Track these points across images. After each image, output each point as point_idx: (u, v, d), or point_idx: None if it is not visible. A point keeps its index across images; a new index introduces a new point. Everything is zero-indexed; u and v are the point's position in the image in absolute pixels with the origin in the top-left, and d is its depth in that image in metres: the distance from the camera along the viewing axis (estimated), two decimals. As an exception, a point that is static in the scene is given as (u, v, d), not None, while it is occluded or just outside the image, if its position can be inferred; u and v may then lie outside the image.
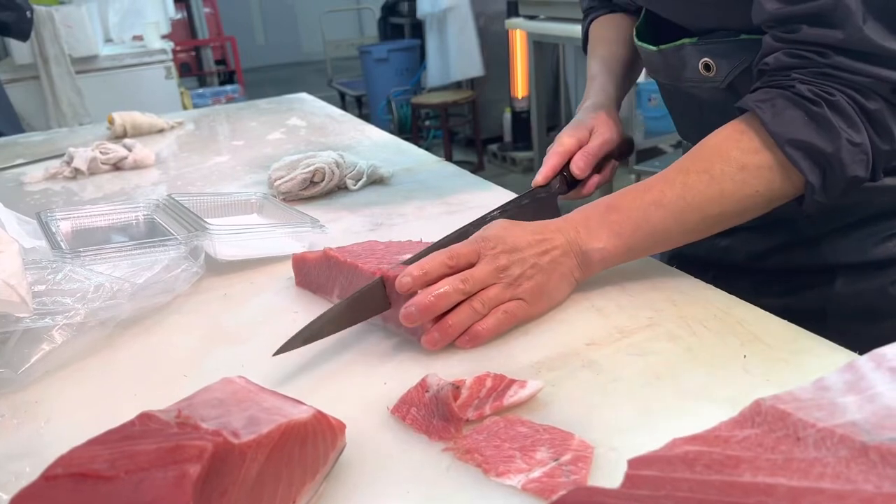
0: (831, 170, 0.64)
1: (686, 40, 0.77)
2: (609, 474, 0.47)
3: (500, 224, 0.69)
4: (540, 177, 0.83)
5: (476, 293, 0.64)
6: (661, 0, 0.80)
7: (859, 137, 0.63)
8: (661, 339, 0.63)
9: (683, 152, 0.97)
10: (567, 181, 0.84)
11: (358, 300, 0.66)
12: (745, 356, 0.59)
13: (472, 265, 0.65)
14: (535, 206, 0.82)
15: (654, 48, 0.82)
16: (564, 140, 0.85)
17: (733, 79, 0.75)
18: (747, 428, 0.38)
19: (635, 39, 0.86)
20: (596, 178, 0.87)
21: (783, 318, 0.65)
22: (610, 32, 0.98)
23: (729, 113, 0.70)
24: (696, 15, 0.76)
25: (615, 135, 0.88)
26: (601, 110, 0.89)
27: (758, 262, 0.86)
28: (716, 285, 0.72)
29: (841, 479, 0.32)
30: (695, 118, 0.87)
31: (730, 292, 0.70)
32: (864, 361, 0.40)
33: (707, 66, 0.76)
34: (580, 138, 0.85)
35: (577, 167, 0.84)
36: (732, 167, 0.66)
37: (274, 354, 0.62)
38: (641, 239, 0.68)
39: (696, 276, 0.74)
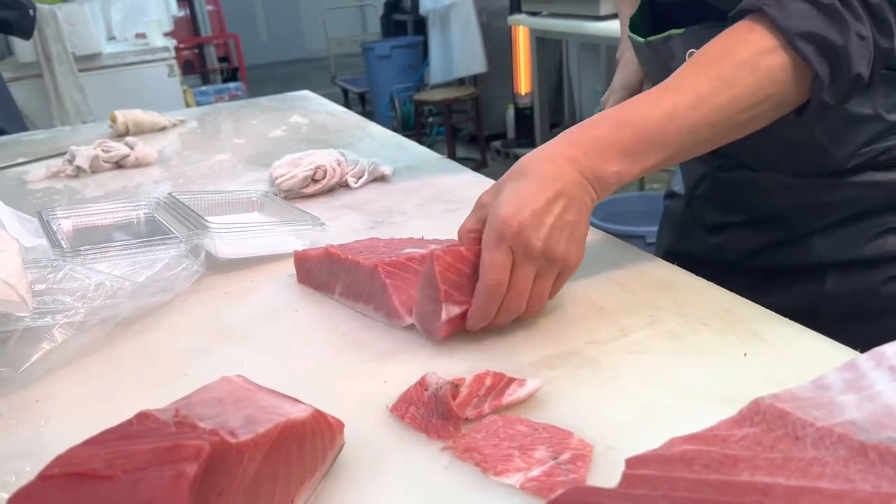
0: (839, 65, 0.62)
1: (674, 31, 0.77)
2: (608, 473, 0.47)
3: (506, 200, 0.62)
4: None
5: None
6: None
7: (865, 31, 0.61)
8: (661, 338, 0.63)
9: None
10: None
11: None
12: (745, 354, 0.59)
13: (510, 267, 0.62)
14: None
15: (642, 40, 0.81)
16: (610, 104, 0.85)
17: None
18: (746, 427, 0.38)
19: (628, 31, 0.85)
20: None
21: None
22: None
23: None
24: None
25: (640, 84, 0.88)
26: (635, 69, 0.90)
27: (751, 259, 0.85)
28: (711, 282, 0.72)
29: (839, 478, 0.32)
30: None
31: (727, 289, 0.70)
32: (864, 360, 0.40)
33: None
34: (623, 99, 0.86)
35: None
36: (745, 70, 0.62)
37: None
38: (656, 156, 0.64)
39: (692, 272, 0.74)
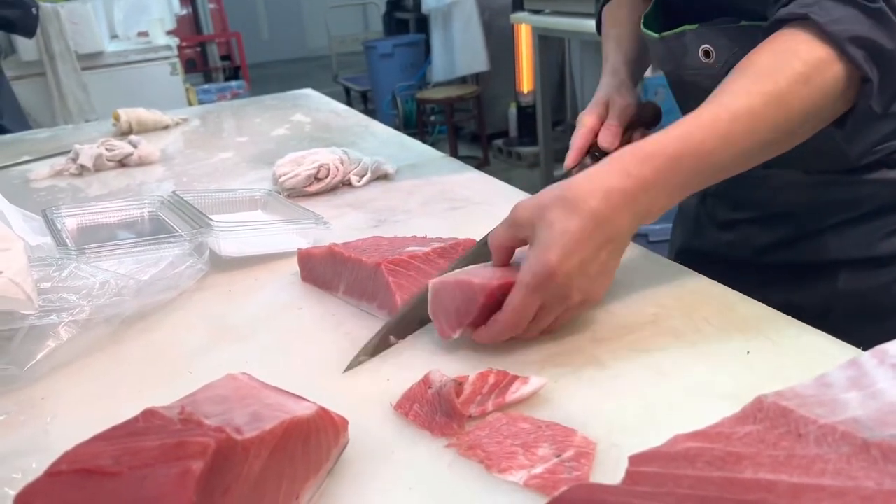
0: (889, 70, 0.60)
1: (687, 27, 0.77)
2: (611, 470, 0.47)
3: (554, 242, 0.59)
4: (569, 160, 0.81)
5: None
6: None
7: None
8: (664, 336, 0.63)
9: None
10: (599, 159, 0.83)
11: (416, 306, 0.66)
12: (748, 352, 0.59)
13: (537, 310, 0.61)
14: None
15: (656, 35, 0.81)
16: (585, 120, 0.83)
17: (731, 66, 0.74)
18: (749, 424, 0.38)
19: (642, 27, 0.85)
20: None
21: (788, 314, 0.64)
22: (622, 13, 0.97)
23: None
24: None
25: (633, 100, 0.86)
26: (611, 87, 0.87)
27: (762, 256, 0.85)
28: (720, 281, 0.72)
29: (842, 475, 0.32)
30: (695, 106, 0.87)
31: (735, 288, 0.70)
32: (867, 358, 0.40)
33: (707, 53, 0.75)
34: (599, 114, 0.84)
35: (606, 141, 0.81)
36: (798, 85, 0.59)
37: (344, 371, 0.63)
38: (703, 182, 0.63)
39: (701, 272, 0.74)
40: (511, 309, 0.60)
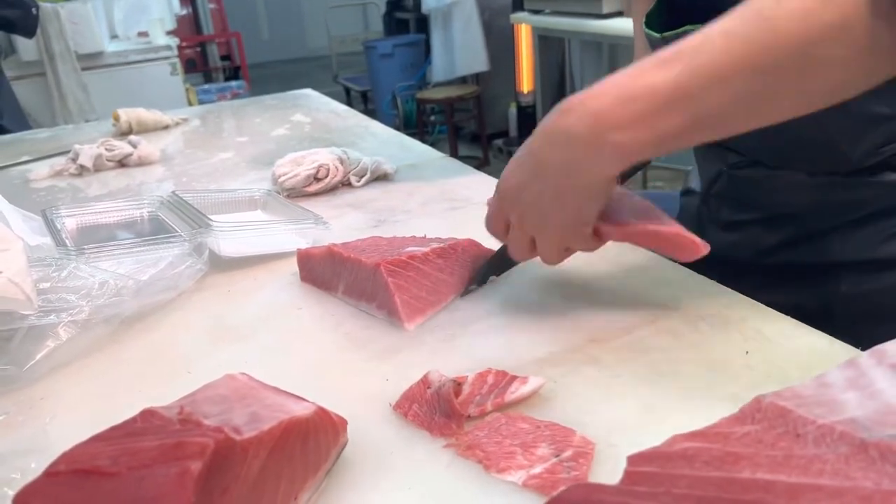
0: None
1: (690, 27, 0.76)
2: (610, 470, 0.47)
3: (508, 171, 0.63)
4: None
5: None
6: None
7: None
8: (663, 336, 0.63)
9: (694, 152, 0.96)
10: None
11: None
12: (747, 352, 0.59)
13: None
14: None
15: (658, 35, 0.81)
16: None
17: None
18: (747, 424, 0.38)
19: (643, 27, 0.85)
20: None
21: (791, 316, 0.64)
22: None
23: None
24: None
25: None
26: None
27: (765, 258, 0.85)
28: (722, 282, 0.72)
29: (840, 475, 0.32)
30: None
31: (737, 290, 0.70)
32: (865, 358, 0.40)
33: None
34: None
35: None
36: (796, 16, 0.49)
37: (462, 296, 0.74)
38: (675, 117, 0.53)
39: (703, 273, 0.74)
40: (486, 222, 0.69)
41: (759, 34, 0.50)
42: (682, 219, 1.02)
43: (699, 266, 0.75)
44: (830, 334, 0.61)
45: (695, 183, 0.98)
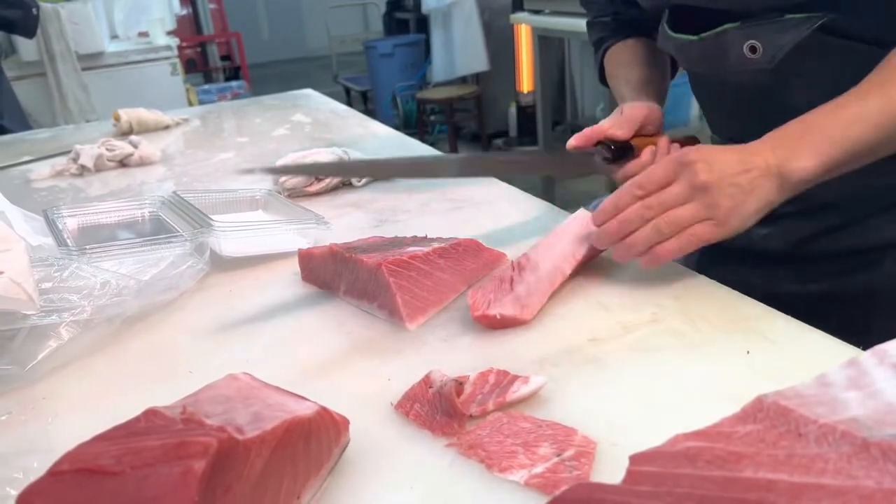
0: None
1: (728, 25, 0.76)
2: (611, 470, 0.47)
3: (699, 147, 0.69)
4: (573, 139, 0.82)
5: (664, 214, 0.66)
6: None
7: None
8: (664, 335, 0.63)
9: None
10: (612, 150, 0.82)
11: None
12: (748, 352, 0.59)
13: (666, 187, 0.67)
14: (573, 158, 0.81)
15: (694, 38, 0.80)
16: (602, 122, 0.84)
17: (780, 60, 0.74)
18: (749, 424, 0.38)
19: (669, 32, 0.84)
20: (651, 148, 0.84)
21: (830, 302, 0.64)
22: (626, 56, 0.98)
23: (771, 97, 0.69)
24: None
25: (648, 110, 0.86)
26: (631, 103, 0.89)
27: (800, 248, 0.84)
28: (754, 274, 0.71)
29: (842, 474, 0.32)
30: (728, 108, 0.87)
31: (770, 280, 0.69)
32: (867, 357, 0.40)
33: (753, 49, 0.75)
34: (614, 118, 0.84)
35: (618, 131, 0.82)
36: None
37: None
38: (841, 156, 0.66)
39: (732, 266, 0.73)
40: (647, 174, 0.68)
41: None
42: None
43: (728, 259, 0.74)
44: (870, 317, 0.60)
45: None
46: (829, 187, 0.68)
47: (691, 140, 0.91)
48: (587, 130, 0.83)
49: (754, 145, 0.67)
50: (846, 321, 0.66)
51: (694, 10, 0.80)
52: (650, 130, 0.86)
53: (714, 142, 0.97)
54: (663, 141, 0.85)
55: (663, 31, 0.87)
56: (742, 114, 0.81)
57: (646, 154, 0.83)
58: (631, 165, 0.82)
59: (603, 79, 1.03)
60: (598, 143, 0.83)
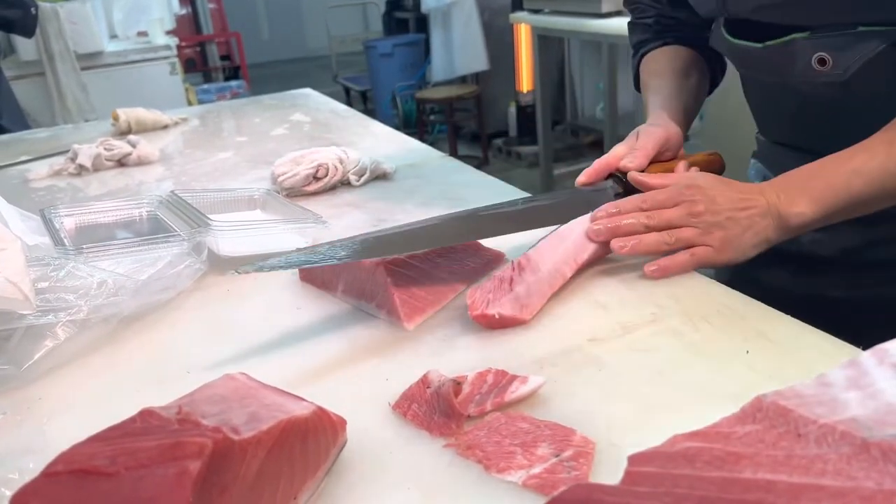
0: None
1: (797, 35, 0.74)
2: (610, 470, 0.47)
3: (704, 177, 0.73)
4: (583, 176, 0.81)
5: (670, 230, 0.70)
6: (770, 5, 0.76)
7: None
8: (663, 335, 0.63)
9: (758, 149, 0.94)
10: (625, 183, 0.80)
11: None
12: (747, 352, 0.59)
13: (664, 209, 0.71)
14: (584, 198, 0.80)
15: (758, 45, 0.78)
16: (615, 148, 0.83)
17: (852, 73, 0.72)
18: (749, 424, 0.38)
19: (727, 36, 0.82)
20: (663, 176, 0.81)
21: (875, 309, 0.63)
22: (660, 65, 0.97)
23: (838, 110, 0.69)
24: (810, 12, 0.73)
25: (665, 134, 0.84)
26: (646, 124, 0.87)
27: (850, 256, 0.83)
28: (796, 278, 0.71)
29: (842, 475, 0.32)
30: (786, 114, 0.85)
31: (813, 284, 0.69)
32: (867, 357, 0.40)
33: (822, 61, 0.73)
34: (629, 144, 0.83)
35: (631, 163, 0.80)
36: None
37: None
38: (840, 206, 0.69)
39: (776, 268, 0.72)
40: (651, 194, 0.72)
41: None
42: None
43: (767, 261, 0.74)
44: None
45: (757, 179, 0.94)
46: None
47: (713, 158, 0.89)
48: (598, 163, 0.81)
49: (760, 185, 0.71)
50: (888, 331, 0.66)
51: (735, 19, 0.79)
52: (667, 155, 0.85)
53: (759, 142, 0.95)
54: (680, 167, 0.83)
55: (719, 34, 0.84)
56: (802, 122, 0.80)
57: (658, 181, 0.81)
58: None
59: (638, 85, 1.02)
60: (610, 175, 0.81)
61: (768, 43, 0.77)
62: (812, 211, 0.68)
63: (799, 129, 0.69)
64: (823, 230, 0.82)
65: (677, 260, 0.70)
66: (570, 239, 0.72)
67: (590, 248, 0.73)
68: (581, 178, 0.81)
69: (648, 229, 0.70)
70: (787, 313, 0.64)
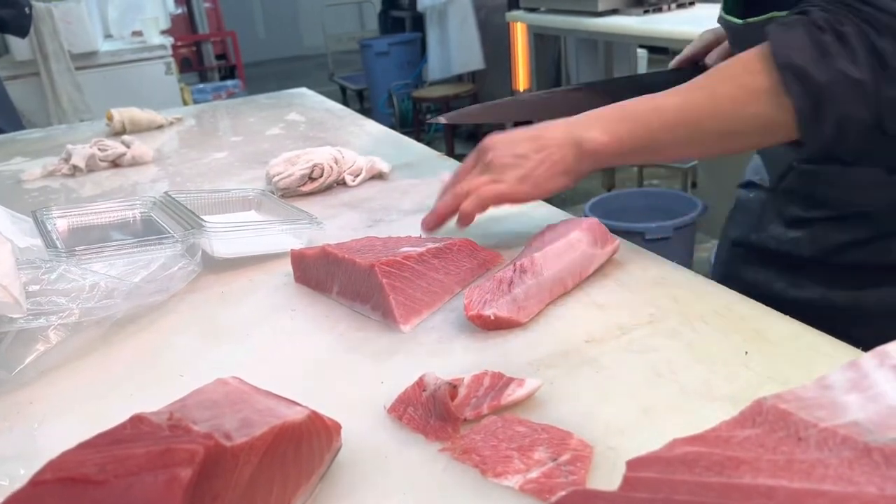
0: (821, 102, 0.62)
1: (775, 13, 0.74)
2: (608, 474, 0.47)
3: (505, 133, 0.78)
4: (674, 62, 0.88)
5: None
6: None
7: (859, 73, 0.61)
8: (661, 336, 0.62)
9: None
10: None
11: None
12: (746, 353, 0.58)
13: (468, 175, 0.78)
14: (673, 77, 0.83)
15: (739, 22, 0.79)
16: (704, 35, 0.87)
17: None
18: (748, 428, 0.38)
19: (721, 13, 0.84)
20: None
21: (854, 313, 0.63)
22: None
23: None
24: None
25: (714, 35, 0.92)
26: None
27: (831, 256, 0.82)
28: (778, 277, 0.70)
29: (843, 480, 0.32)
30: None
31: (794, 285, 0.68)
32: (867, 359, 0.39)
33: None
34: (718, 35, 0.86)
35: (711, 60, 0.86)
36: (733, 86, 0.67)
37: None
38: (634, 140, 0.71)
39: (758, 267, 0.72)
40: (459, 167, 0.80)
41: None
42: (738, 211, 1.00)
43: (752, 259, 0.74)
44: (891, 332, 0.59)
45: (757, 176, 0.95)
46: (863, 196, 0.67)
47: None
48: (688, 50, 0.92)
49: (552, 122, 0.76)
50: (873, 334, 0.65)
51: None
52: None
53: None
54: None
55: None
56: None
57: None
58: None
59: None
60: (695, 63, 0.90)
61: (749, 20, 0.78)
62: (607, 137, 0.71)
63: None
64: (802, 228, 0.82)
65: (468, 204, 0.76)
66: (578, 250, 0.71)
67: (596, 262, 0.72)
68: (672, 64, 0.93)
69: (456, 198, 0.77)
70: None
